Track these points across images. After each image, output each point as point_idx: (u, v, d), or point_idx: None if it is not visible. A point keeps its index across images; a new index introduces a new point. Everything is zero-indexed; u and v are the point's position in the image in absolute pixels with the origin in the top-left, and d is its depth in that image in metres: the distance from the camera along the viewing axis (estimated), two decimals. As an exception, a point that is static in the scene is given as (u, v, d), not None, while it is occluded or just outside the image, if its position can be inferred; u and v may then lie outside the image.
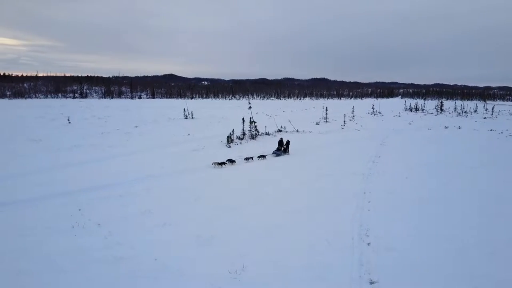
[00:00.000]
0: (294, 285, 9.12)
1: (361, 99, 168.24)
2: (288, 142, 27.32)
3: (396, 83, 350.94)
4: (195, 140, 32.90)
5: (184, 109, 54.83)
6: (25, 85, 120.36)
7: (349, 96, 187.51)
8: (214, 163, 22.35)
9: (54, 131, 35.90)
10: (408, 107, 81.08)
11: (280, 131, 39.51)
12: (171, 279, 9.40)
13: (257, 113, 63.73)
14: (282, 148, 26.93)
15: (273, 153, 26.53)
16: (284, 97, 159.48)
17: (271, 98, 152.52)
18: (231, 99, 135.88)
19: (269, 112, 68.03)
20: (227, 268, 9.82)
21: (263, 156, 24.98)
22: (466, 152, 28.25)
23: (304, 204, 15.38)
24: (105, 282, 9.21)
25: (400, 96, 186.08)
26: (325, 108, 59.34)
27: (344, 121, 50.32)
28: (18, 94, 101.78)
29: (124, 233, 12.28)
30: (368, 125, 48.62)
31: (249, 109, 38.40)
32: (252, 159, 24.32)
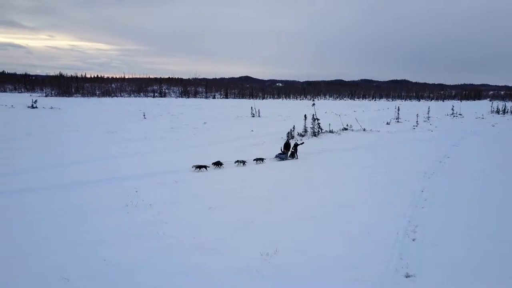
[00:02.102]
0: (323, 271, 8.91)
1: (443, 101, 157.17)
2: (296, 145, 24.13)
3: (486, 85, 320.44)
4: (257, 136, 33.46)
5: (252, 107, 55.90)
6: (112, 85, 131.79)
7: (429, 98, 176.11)
8: (194, 166, 19.31)
9: (130, 125, 38.91)
10: (495, 109, 73.89)
11: (346, 129, 38.53)
12: (205, 255, 9.73)
13: (326, 112, 62.97)
14: (290, 152, 23.65)
15: (276, 156, 23.38)
16: (358, 98, 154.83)
17: (345, 99, 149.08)
18: (302, 99, 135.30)
19: (339, 111, 66.70)
20: (259, 251, 9.88)
21: (260, 159, 21.82)
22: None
23: (352, 198, 14.90)
24: (145, 254, 9.80)
25: (489, 99, 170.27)
26: (397, 108, 56.52)
27: (417, 121, 47.51)
28: (106, 93, 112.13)
29: (171, 213, 12.95)
30: (443, 126, 45.39)
31: (312, 106, 37.98)
32: (244, 163, 21.01)
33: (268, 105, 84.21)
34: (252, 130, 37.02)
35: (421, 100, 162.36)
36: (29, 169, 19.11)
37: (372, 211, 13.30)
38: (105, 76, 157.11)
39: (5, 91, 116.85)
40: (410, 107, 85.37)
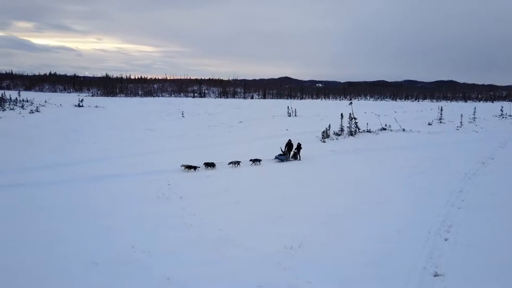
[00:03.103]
0: (346, 265, 8.75)
1: (492, 102, 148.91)
2: (299, 146, 22.58)
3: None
4: (292, 135, 33.08)
5: (288, 107, 55.62)
6: (154, 85, 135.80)
7: (477, 99, 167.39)
8: (183, 166, 18.60)
9: (168, 123, 39.94)
10: (553, 110, 68.72)
11: (384, 129, 37.44)
12: (229, 246, 9.86)
13: (365, 112, 61.34)
14: (292, 153, 22.53)
15: (276, 157, 22.16)
16: (400, 99, 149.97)
17: (386, 100, 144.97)
18: (342, 99, 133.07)
19: (379, 111, 64.85)
20: (284, 244, 9.83)
21: (257, 161, 20.65)
22: None
23: (385, 197, 14.49)
24: (172, 243, 10.05)
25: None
26: (440, 109, 54.18)
27: (461, 122, 45.26)
28: (148, 93, 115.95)
29: (200, 206, 13.20)
30: (490, 127, 42.96)
31: (349, 104, 37.23)
32: (238, 164, 19.88)
33: (306, 105, 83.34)
34: (287, 129, 36.86)
35: (468, 101, 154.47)
36: (73, 162, 20.18)
37: (404, 210, 12.89)
38: (148, 77, 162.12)
39: (55, 91, 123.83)
40: (456, 108, 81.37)
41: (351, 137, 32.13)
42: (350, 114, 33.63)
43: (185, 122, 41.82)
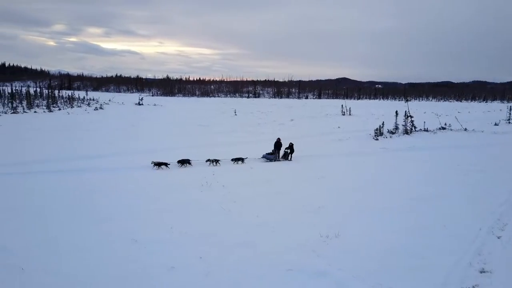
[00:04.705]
0: (383, 256, 8.35)
1: None
2: (291, 146, 20.84)
3: None
4: (344, 132, 32.55)
5: (342, 105, 54.53)
6: (211, 86, 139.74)
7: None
8: (153, 163, 17.71)
9: (221, 120, 40.92)
10: None
11: (443, 128, 35.32)
12: (264, 232, 9.84)
13: (425, 112, 58.48)
14: (282, 152, 20.88)
15: (263, 157, 20.71)
16: (466, 100, 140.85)
17: (450, 101, 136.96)
18: (401, 100, 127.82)
19: (440, 112, 61.41)
20: (320, 233, 9.61)
21: (240, 160, 19.20)
22: None
23: (436, 193, 13.64)
24: (210, 226, 10.25)
25: None
26: (509, 109, 50.07)
27: (534, 122, 41.55)
28: (205, 93, 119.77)
29: (241, 194, 13.35)
30: None
31: (405, 102, 35.59)
32: (217, 162, 18.57)
33: (362, 105, 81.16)
34: (339, 127, 36.14)
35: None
36: (128, 152, 21.44)
37: (455, 207, 12.04)
38: (206, 79, 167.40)
39: (119, 91, 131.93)
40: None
41: (406, 135, 30.73)
42: (405, 112, 32.16)
43: (236, 119, 42.56)
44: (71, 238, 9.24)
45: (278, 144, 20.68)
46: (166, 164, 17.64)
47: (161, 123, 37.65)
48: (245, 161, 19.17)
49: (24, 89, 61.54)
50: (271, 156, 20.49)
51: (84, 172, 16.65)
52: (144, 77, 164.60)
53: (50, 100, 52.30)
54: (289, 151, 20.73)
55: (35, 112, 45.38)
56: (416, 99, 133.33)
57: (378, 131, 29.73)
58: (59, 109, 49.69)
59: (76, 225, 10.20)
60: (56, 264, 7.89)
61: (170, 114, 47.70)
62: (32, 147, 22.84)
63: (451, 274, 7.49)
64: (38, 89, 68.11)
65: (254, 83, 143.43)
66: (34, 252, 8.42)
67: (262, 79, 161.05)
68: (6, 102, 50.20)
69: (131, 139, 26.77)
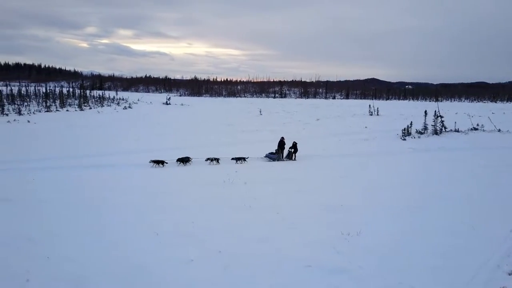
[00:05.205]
0: (404, 255, 8.12)
1: None
2: (295, 145, 20.37)
3: None
4: (371, 132, 31.95)
5: (370, 105, 53.55)
6: (238, 87, 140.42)
7: None
8: (151, 161, 17.76)
9: (246, 120, 40.97)
10: None
11: (476, 129, 34.04)
12: (283, 228, 9.80)
13: (456, 113, 56.70)
14: (287, 152, 20.36)
15: (266, 156, 20.31)
16: (502, 101, 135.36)
17: (484, 101, 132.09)
18: (431, 101, 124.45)
19: (473, 113, 59.32)
20: (341, 230, 9.45)
21: (242, 159, 18.84)
22: None
23: (463, 193, 13.19)
24: (230, 221, 10.30)
25: None
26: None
27: None
28: (231, 93, 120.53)
29: (262, 191, 13.36)
30: None
31: (435, 101, 34.57)
32: (218, 161, 18.42)
33: (390, 105, 79.36)
34: (366, 127, 35.49)
35: None
36: (152, 149, 21.81)
37: (485, 208, 11.60)
38: (233, 79, 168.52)
39: (148, 91, 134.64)
40: None
41: (435, 135, 29.81)
42: (435, 111, 31.22)
43: (262, 119, 42.55)
44: (96, 229, 9.49)
45: (281, 144, 20.21)
46: (163, 162, 17.66)
47: (187, 121, 38.19)
48: (247, 160, 18.93)
49: (57, 89, 63.88)
50: (274, 156, 20.02)
51: (111, 167, 17.13)
52: (172, 77, 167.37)
53: (81, 100, 54.09)
54: (292, 150, 20.25)
55: (67, 110, 47.00)
56: (448, 100, 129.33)
57: (406, 131, 29.02)
58: (90, 108, 51.27)
59: (101, 217, 10.50)
60: (79, 253, 8.12)
61: (196, 113, 48.28)
62: (63, 143, 23.69)
63: (477, 275, 7.19)
64: (71, 89, 70.65)
65: (281, 83, 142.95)
66: (59, 242, 8.70)
67: (289, 79, 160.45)
68: (40, 101, 52.30)
69: (157, 137, 27.38)
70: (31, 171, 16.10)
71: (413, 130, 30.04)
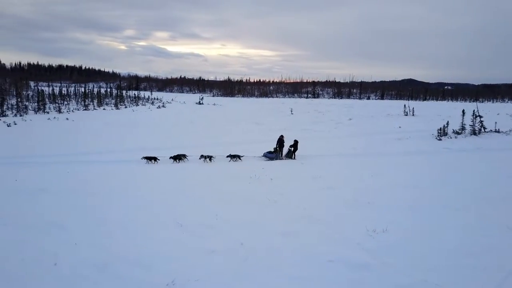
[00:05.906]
0: (430, 253, 7.81)
1: None
2: (296, 144, 19.76)
3: None
4: (404, 132, 31.06)
5: (405, 105, 52.08)
6: (271, 87, 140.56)
7: None
8: (144, 157, 17.71)
9: (276, 119, 40.93)
10: None
11: (518, 130, 32.35)
12: (309, 223, 9.70)
13: (498, 114, 54.12)
14: (286, 150, 19.62)
15: (264, 155, 19.64)
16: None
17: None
18: (471, 101, 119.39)
19: (517, 114, 56.49)
20: (367, 227, 9.23)
21: (237, 157, 18.61)
22: None
23: (500, 194, 12.54)
24: (254, 215, 10.31)
25: None
26: None
27: None
28: (264, 94, 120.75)
29: (288, 187, 13.28)
30: None
31: (474, 101, 33.12)
32: (210, 159, 18.20)
33: (427, 106, 76.79)
34: (399, 127, 34.51)
35: None
36: (184, 146, 22.19)
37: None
38: (266, 80, 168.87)
39: (182, 92, 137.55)
40: None
41: (473, 136, 28.56)
42: (474, 111, 29.91)
43: (292, 118, 42.36)
44: (122, 219, 9.78)
45: (281, 142, 19.71)
46: (155, 159, 17.76)
47: (218, 121, 38.72)
48: (242, 158, 18.70)
49: (96, 89, 66.46)
50: (272, 155, 19.41)
51: (136, 163, 17.61)
52: (206, 78, 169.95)
53: (118, 99, 55.98)
54: (292, 149, 19.64)
55: (103, 109, 48.81)
56: (490, 101, 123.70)
57: (442, 131, 27.98)
58: (125, 107, 53.06)
59: (129, 208, 10.80)
60: (106, 241, 8.37)
61: (228, 113, 48.78)
62: (99, 139, 24.61)
63: (509, 277, 6.80)
64: (108, 89, 73.27)
65: (314, 83, 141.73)
66: (87, 230, 9.02)
67: (322, 79, 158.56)
68: (79, 100, 54.62)
69: (189, 134, 28.07)
70: (67, 164, 16.82)
71: (449, 130, 28.93)
